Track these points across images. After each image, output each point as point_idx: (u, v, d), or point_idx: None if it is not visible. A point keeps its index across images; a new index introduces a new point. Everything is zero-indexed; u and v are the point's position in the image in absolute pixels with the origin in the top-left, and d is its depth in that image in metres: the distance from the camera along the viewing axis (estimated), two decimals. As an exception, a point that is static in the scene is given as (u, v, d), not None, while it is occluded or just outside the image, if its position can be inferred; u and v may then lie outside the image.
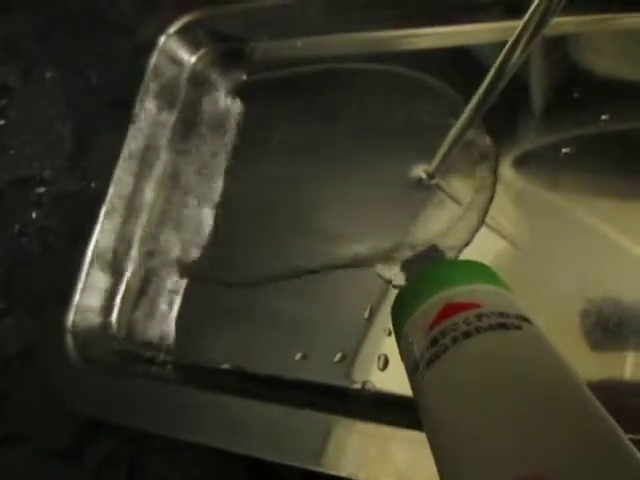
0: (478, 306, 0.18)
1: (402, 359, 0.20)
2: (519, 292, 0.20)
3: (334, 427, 0.29)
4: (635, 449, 0.14)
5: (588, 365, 0.29)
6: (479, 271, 0.20)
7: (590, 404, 0.15)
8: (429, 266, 0.21)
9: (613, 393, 0.27)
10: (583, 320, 0.29)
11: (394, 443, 0.27)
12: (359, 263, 0.35)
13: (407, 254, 0.33)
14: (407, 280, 0.21)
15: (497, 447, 0.14)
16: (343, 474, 0.27)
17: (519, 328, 0.17)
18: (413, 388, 0.18)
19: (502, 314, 0.17)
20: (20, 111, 0.44)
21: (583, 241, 0.31)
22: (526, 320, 0.18)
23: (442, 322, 0.18)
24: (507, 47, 0.25)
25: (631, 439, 0.14)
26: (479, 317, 0.17)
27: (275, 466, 0.29)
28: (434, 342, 0.17)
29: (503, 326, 0.17)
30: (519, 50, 0.25)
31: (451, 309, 0.18)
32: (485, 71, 0.27)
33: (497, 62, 0.26)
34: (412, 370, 0.18)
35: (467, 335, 0.17)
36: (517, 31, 0.25)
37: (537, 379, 0.16)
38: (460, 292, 0.19)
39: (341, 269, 0.35)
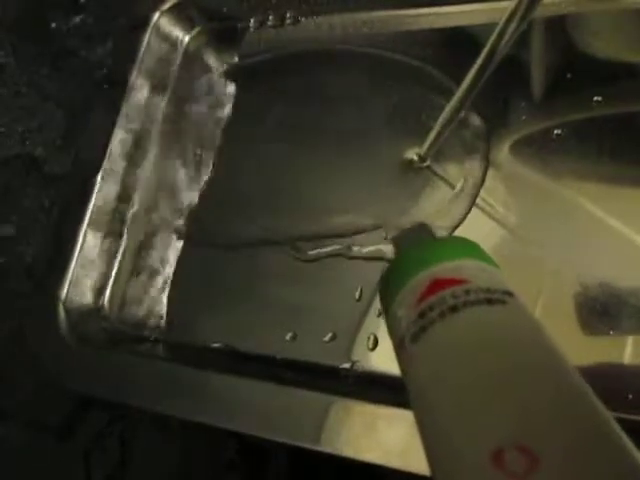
0: (466, 281, 0.18)
1: (390, 335, 0.20)
2: (510, 274, 0.20)
3: (323, 405, 0.29)
4: (614, 420, 0.14)
5: (580, 348, 0.29)
6: (466, 247, 0.20)
7: (571, 376, 0.15)
8: (417, 243, 0.21)
9: (606, 376, 0.28)
10: (574, 303, 0.29)
11: (381, 421, 0.28)
12: (351, 244, 0.35)
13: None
14: (395, 257, 0.21)
15: (480, 418, 0.14)
16: (330, 450, 0.28)
17: (504, 303, 0.17)
18: (399, 362, 0.18)
19: (488, 289, 0.18)
20: (11, 88, 0.43)
21: (574, 223, 0.31)
22: (510, 295, 0.18)
23: (430, 297, 0.18)
24: (499, 27, 0.25)
25: (626, 420, 0.14)
26: (467, 292, 0.17)
27: (263, 442, 0.29)
28: (421, 316, 0.17)
29: (489, 301, 0.17)
30: (511, 31, 0.25)
31: (439, 284, 0.18)
32: (473, 53, 0.27)
33: (489, 43, 0.26)
34: (399, 344, 0.18)
35: (454, 309, 0.17)
36: (509, 11, 0.25)
37: (520, 352, 0.16)
38: (447, 268, 0.19)
39: (333, 250, 0.35)
